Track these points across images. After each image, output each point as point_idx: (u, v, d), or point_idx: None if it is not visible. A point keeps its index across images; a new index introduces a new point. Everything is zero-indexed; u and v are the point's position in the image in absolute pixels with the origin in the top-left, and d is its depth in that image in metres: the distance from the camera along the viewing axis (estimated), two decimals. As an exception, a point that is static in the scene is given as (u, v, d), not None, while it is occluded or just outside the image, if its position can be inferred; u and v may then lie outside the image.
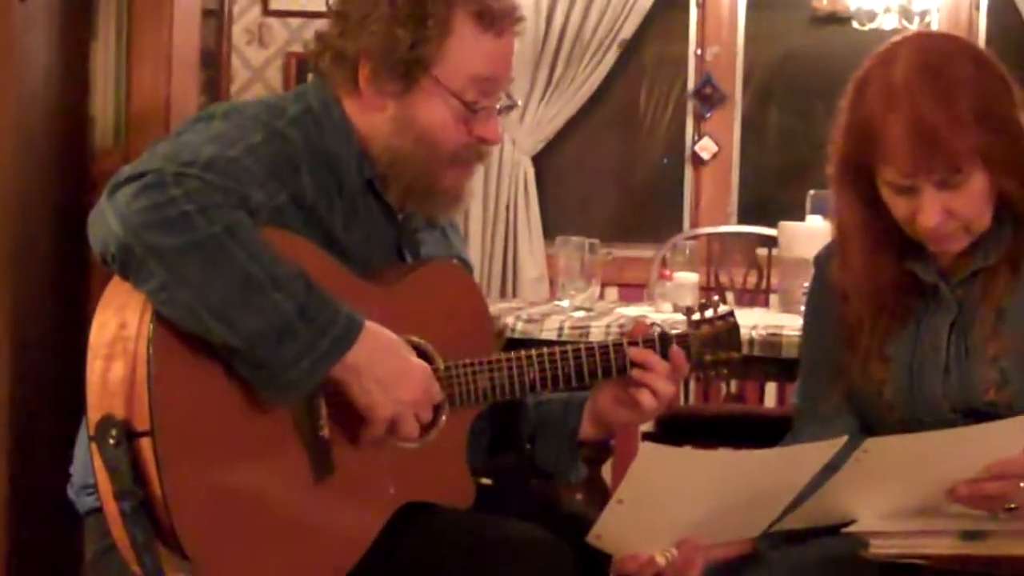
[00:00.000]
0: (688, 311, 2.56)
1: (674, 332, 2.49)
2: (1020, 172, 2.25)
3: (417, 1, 2.33)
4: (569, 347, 2.43)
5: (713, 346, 2.51)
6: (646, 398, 2.41)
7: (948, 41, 2.36)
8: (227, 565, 2.11)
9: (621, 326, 3.75)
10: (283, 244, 2.16)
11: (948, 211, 2.24)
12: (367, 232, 2.39)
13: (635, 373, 2.42)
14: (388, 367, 2.19)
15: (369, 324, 2.17)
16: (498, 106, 2.43)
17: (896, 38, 2.34)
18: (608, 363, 2.42)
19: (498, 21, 2.37)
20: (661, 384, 2.41)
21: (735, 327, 2.55)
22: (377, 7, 2.33)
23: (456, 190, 2.45)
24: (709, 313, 2.53)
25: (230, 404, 2.13)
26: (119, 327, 2.10)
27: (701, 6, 6.38)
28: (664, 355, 2.43)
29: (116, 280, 2.14)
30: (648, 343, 2.44)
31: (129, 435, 2.05)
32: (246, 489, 2.14)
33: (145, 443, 2.05)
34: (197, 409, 2.11)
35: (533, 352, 2.40)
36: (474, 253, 6.24)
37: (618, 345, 2.43)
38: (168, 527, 2.05)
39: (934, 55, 2.26)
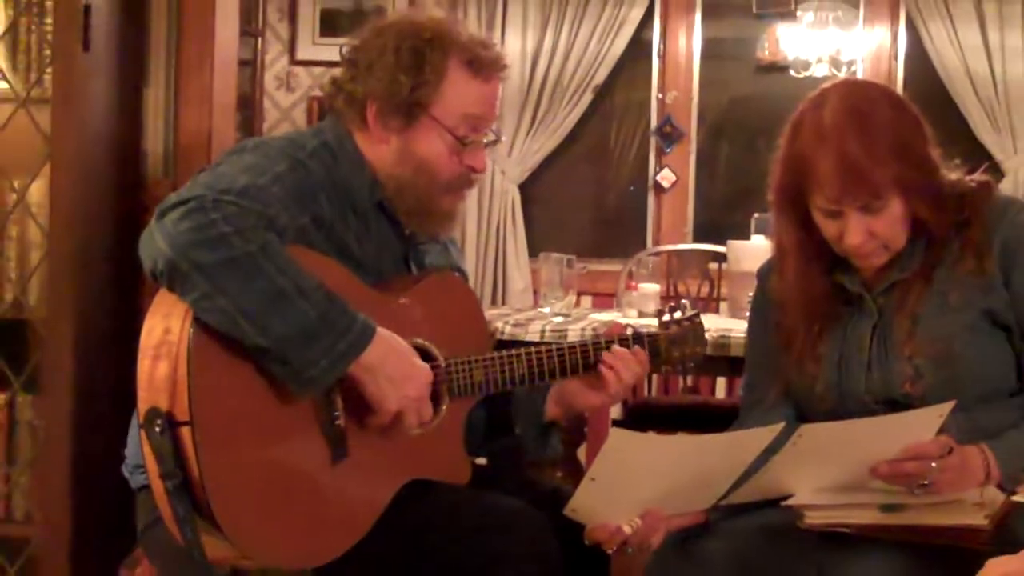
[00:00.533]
0: (659, 313, 2.57)
1: (646, 332, 2.50)
2: (932, 199, 2.25)
3: (417, 51, 2.34)
4: (554, 346, 2.43)
5: (680, 343, 2.53)
6: (611, 380, 2.43)
7: (870, 87, 2.36)
8: (255, 535, 2.11)
9: (595, 328, 3.75)
10: (306, 260, 2.16)
11: (870, 232, 2.23)
12: (378, 246, 2.39)
13: (603, 368, 2.44)
14: (397, 368, 2.19)
15: (381, 330, 2.17)
16: (485, 141, 2.43)
17: (826, 84, 2.33)
18: (588, 359, 2.44)
19: (486, 68, 2.39)
20: (625, 373, 2.44)
21: (700, 326, 2.56)
22: (382, 56, 2.35)
23: (451, 212, 2.46)
24: (678, 315, 2.55)
25: (259, 398, 2.13)
26: (164, 332, 2.10)
27: (662, 56, 6.38)
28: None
29: (163, 292, 2.13)
30: (623, 343, 2.45)
31: (172, 424, 2.05)
32: (272, 470, 2.14)
33: (185, 431, 2.05)
34: (230, 403, 2.11)
35: (522, 351, 2.41)
36: (469, 266, 6.22)
37: (596, 344, 2.44)
38: (205, 503, 2.05)
39: (858, 99, 2.25)
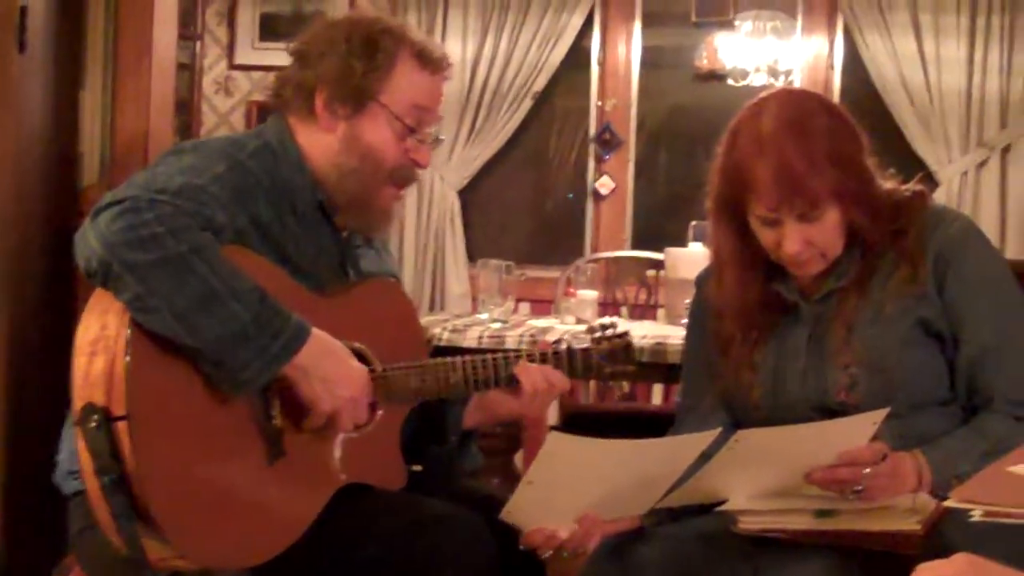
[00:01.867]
0: (591, 330, 2.60)
1: (579, 347, 2.53)
2: (868, 208, 2.27)
3: (369, 38, 2.38)
4: (489, 356, 2.44)
5: (611, 360, 2.55)
6: (528, 395, 2.46)
7: (807, 96, 2.37)
8: (190, 531, 2.09)
9: (532, 335, 3.76)
10: (244, 261, 2.16)
11: (807, 241, 2.25)
12: (316, 250, 2.39)
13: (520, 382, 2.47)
14: (331, 369, 2.19)
15: (316, 331, 2.17)
16: (430, 138, 2.46)
17: (764, 93, 2.34)
18: (497, 373, 2.46)
19: (434, 62, 2.43)
20: (539, 385, 2.47)
21: (630, 345, 2.59)
22: (335, 43, 2.38)
23: (388, 208, 2.47)
24: (609, 332, 2.57)
25: (196, 394, 2.11)
26: (101, 328, 2.09)
27: (601, 64, 6.41)
28: (557, 366, 2.49)
29: (99, 290, 2.12)
30: (543, 358, 2.48)
31: (108, 419, 2.04)
32: (208, 467, 2.13)
33: (122, 426, 2.03)
34: (167, 397, 2.09)
35: (459, 359, 2.42)
36: (408, 272, 6.24)
37: (530, 356, 2.48)
38: (141, 498, 2.03)
39: (795, 109, 2.26)
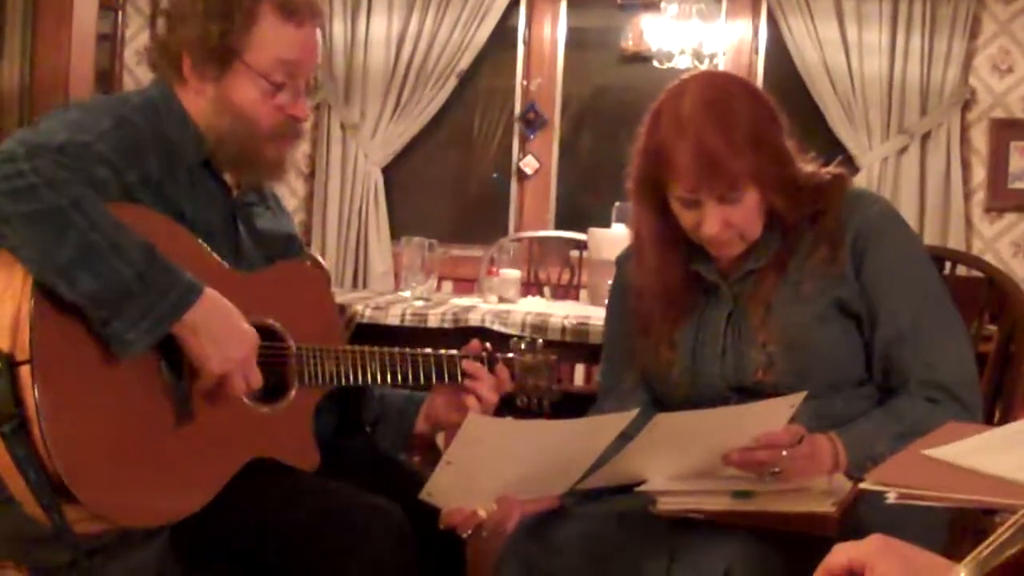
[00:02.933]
0: (517, 341, 2.60)
1: (502, 356, 2.52)
2: (787, 190, 2.28)
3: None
4: (408, 350, 2.43)
5: (535, 373, 2.55)
6: (472, 403, 2.43)
7: (728, 79, 2.38)
8: (92, 480, 2.04)
9: (455, 314, 3.75)
10: (141, 220, 2.14)
11: (727, 222, 2.26)
12: (206, 206, 2.36)
13: (466, 382, 2.45)
14: (222, 328, 2.16)
15: (208, 291, 2.14)
16: (305, 88, 2.42)
17: (685, 75, 2.35)
18: (442, 369, 2.44)
19: (298, 13, 2.37)
20: (486, 393, 2.45)
21: (554, 364, 2.60)
22: (192, 5, 2.34)
23: (278, 160, 2.44)
24: (535, 347, 2.59)
25: (102, 347, 2.08)
26: (8, 276, 2.06)
27: (527, 43, 6.40)
28: (491, 370, 2.48)
29: None
30: (478, 358, 2.46)
31: (11, 364, 2.01)
32: (112, 418, 2.09)
33: (24, 370, 2.00)
34: (72, 345, 2.06)
35: (377, 349, 2.40)
36: (330, 249, 6.21)
37: (452, 356, 2.45)
38: (42, 443, 1.99)
39: (716, 91, 2.27)
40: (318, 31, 2.43)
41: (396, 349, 2.43)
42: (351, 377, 2.38)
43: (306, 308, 2.41)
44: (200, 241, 2.26)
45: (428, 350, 2.46)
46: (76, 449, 2.03)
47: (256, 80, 2.34)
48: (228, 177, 2.42)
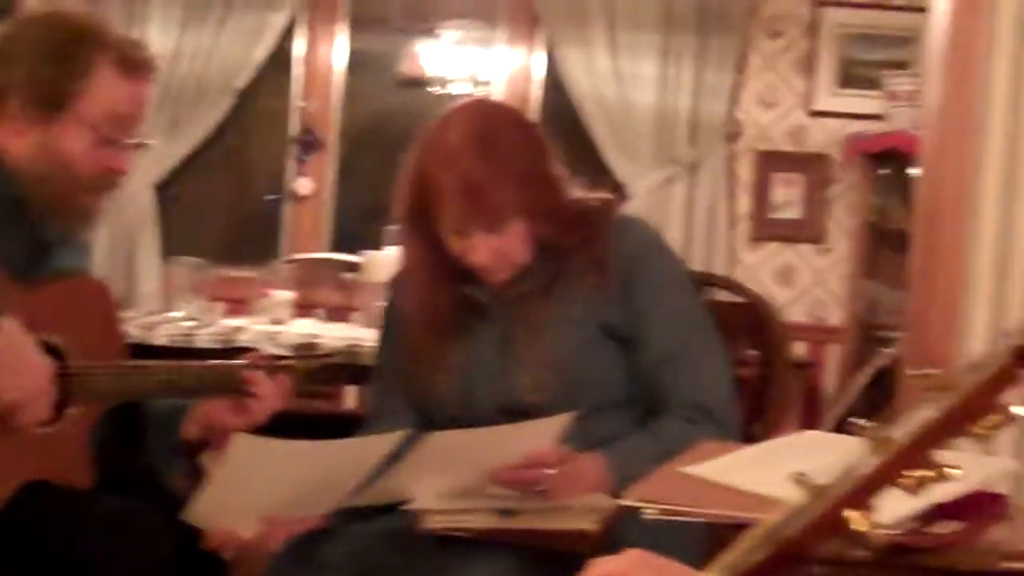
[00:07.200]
0: (298, 348, 2.59)
1: (285, 363, 2.50)
2: (554, 219, 2.32)
3: (62, 44, 2.28)
4: (190, 363, 2.39)
5: (315, 378, 2.53)
6: (254, 407, 2.40)
7: (496, 108, 2.41)
8: None
9: (224, 335, 3.71)
10: None
11: (495, 251, 2.28)
12: (9, 242, 2.29)
13: (248, 391, 2.41)
14: (15, 360, 2.09)
15: (2, 320, 2.08)
16: (131, 143, 2.38)
17: (454, 104, 2.37)
18: (224, 380, 2.40)
19: (136, 69, 2.34)
20: (269, 401, 2.41)
21: (335, 366, 2.58)
22: (28, 47, 2.29)
23: (89, 211, 2.39)
24: (314, 352, 2.58)
25: None
26: None
27: (305, 65, 6.37)
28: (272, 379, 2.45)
29: None
30: (260, 367, 2.43)
31: None
32: None
33: None
34: None
35: (160, 364, 2.36)
36: (100, 267, 6.06)
37: (234, 367, 2.42)
38: None
39: (483, 122, 2.29)
40: (151, 85, 2.39)
41: (176, 362, 2.39)
42: (131, 394, 2.34)
43: (91, 323, 2.35)
44: None
45: (211, 361, 2.43)
46: None
47: (85, 131, 2.28)
48: (34, 214, 2.34)
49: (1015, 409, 0.76)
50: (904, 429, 0.79)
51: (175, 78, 6.10)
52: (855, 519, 0.78)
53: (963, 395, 0.75)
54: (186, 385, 2.38)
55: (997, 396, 0.76)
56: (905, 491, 0.78)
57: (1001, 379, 0.74)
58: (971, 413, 0.75)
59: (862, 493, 0.79)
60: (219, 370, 2.41)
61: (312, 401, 2.63)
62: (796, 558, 0.83)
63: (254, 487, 2.15)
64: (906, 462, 0.78)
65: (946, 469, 0.77)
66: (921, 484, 0.77)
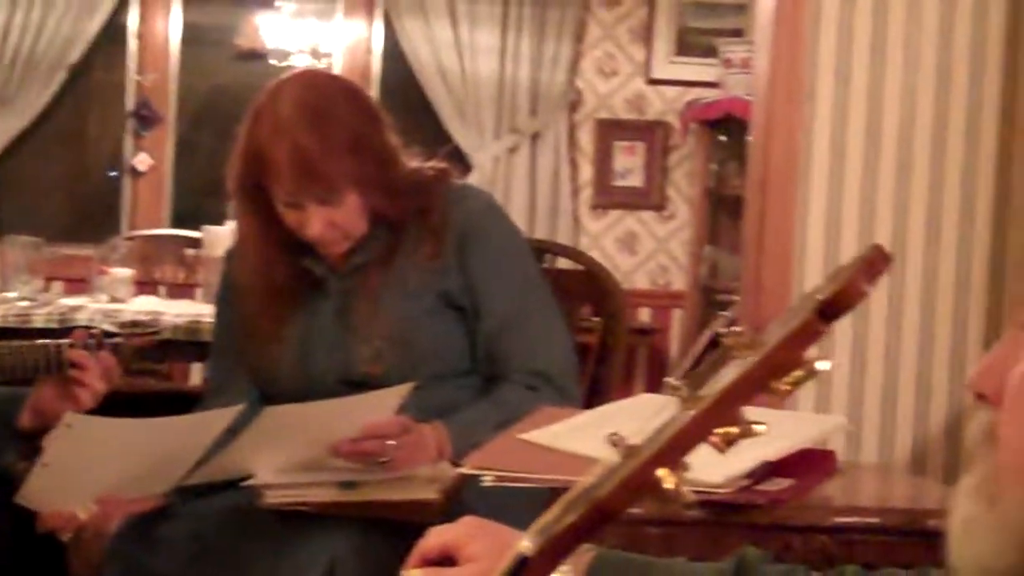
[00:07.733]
0: (124, 325, 2.54)
1: (110, 341, 2.45)
2: (388, 190, 2.31)
3: None
4: (9, 342, 2.34)
5: (141, 356, 2.49)
6: (83, 394, 2.35)
7: (326, 80, 2.40)
8: None
9: (62, 313, 3.64)
10: None
11: (329, 222, 2.27)
12: None
13: (73, 372, 2.35)
14: None
15: None
16: None
17: (285, 75, 2.35)
18: (48, 359, 2.34)
19: None
20: (95, 382, 2.36)
21: (164, 342, 2.55)
22: None
23: None
24: (140, 330, 2.52)
25: None
26: None
27: (140, 37, 6.25)
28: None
29: None
30: (85, 347, 2.39)
31: None
32: None
33: None
34: None
35: None
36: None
37: (58, 346, 2.36)
38: None
39: (313, 94, 2.28)
40: None
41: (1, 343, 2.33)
42: None
43: None
44: None
45: (33, 341, 2.37)
46: None
47: None
48: None
49: (819, 364, 0.78)
50: (712, 387, 0.80)
51: (4, 54, 5.96)
52: (666, 477, 0.79)
53: (767, 351, 0.76)
54: (8, 364, 2.32)
55: (801, 351, 0.77)
56: (714, 448, 0.79)
57: (804, 334, 0.76)
58: (775, 369, 0.77)
59: (671, 451, 0.80)
60: (38, 347, 2.35)
61: (150, 380, 2.57)
62: (609, 518, 0.84)
63: (88, 467, 2.12)
64: (714, 420, 0.79)
65: (753, 426, 0.79)
66: (728, 441, 0.78)
